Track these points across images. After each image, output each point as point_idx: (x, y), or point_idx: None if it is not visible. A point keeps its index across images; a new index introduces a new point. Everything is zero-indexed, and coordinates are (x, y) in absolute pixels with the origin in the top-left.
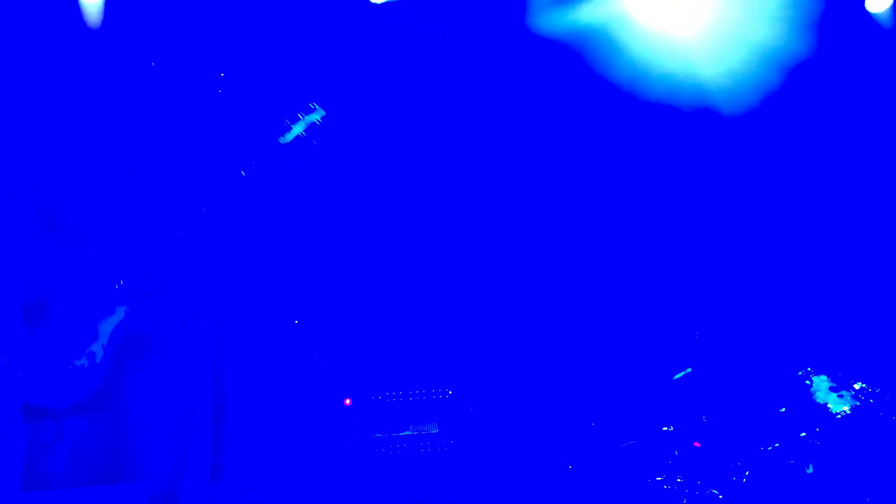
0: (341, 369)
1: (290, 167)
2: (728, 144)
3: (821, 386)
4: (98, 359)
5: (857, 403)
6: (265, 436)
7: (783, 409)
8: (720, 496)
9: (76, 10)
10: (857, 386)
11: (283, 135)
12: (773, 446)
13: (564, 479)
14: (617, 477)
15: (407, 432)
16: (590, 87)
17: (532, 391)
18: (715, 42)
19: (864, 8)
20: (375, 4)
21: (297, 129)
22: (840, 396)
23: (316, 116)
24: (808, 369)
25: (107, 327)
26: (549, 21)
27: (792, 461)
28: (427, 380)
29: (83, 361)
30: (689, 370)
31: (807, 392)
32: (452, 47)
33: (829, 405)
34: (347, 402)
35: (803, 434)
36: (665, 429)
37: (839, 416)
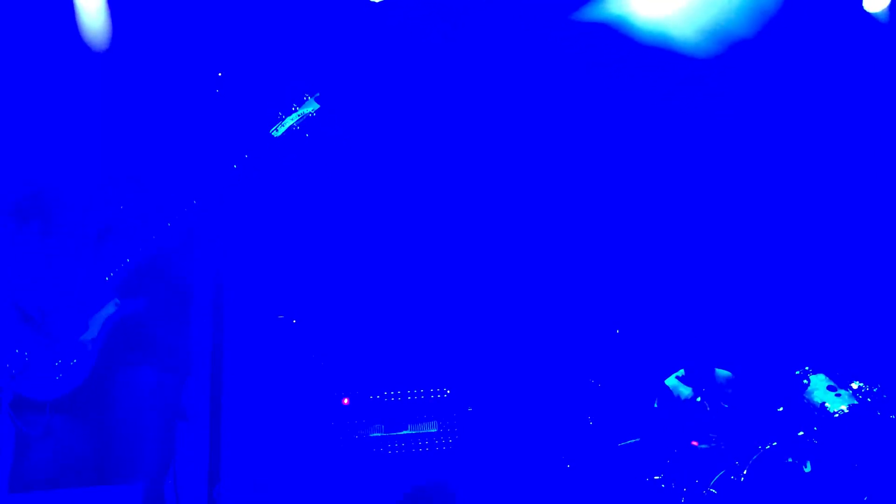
0: (339, 368)
1: (288, 163)
2: (729, 144)
3: (819, 385)
4: (86, 352)
5: (856, 402)
6: (262, 435)
7: (781, 408)
8: (718, 495)
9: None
10: (855, 385)
11: (275, 127)
12: (771, 445)
13: (562, 478)
14: (615, 476)
15: (405, 431)
16: (585, 82)
17: (530, 390)
18: (709, 40)
19: (861, 7)
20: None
21: (290, 121)
22: (838, 395)
23: (310, 109)
24: (806, 368)
25: (97, 321)
26: (549, 17)
27: (790, 460)
28: (425, 379)
29: (71, 354)
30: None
31: (804, 391)
32: (444, 42)
33: (826, 404)
34: (345, 401)
35: (801, 433)
36: (664, 428)
37: (837, 416)
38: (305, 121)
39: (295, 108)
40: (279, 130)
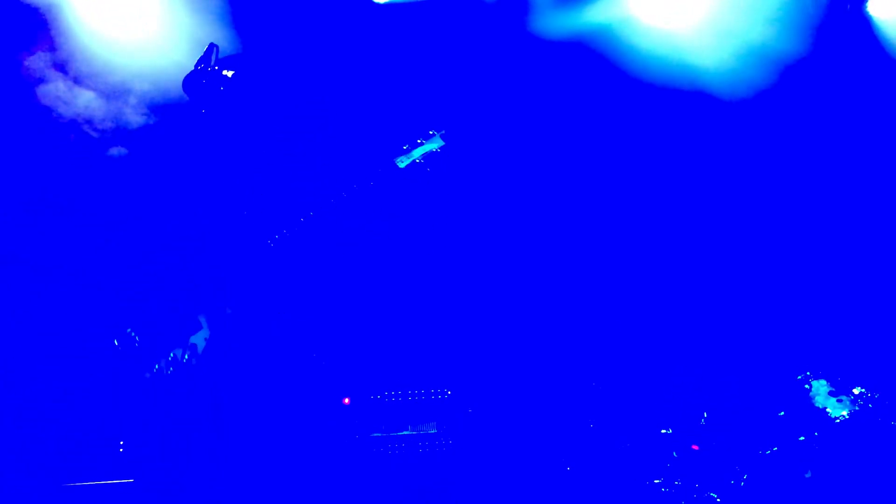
0: (340, 368)
1: (290, 167)
2: (731, 146)
3: (820, 390)
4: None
5: (856, 408)
6: (263, 435)
7: (782, 413)
8: (718, 499)
9: None
10: (856, 391)
11: (400, 159)
12: (772, 450)
13: (562, 481)
14: (615, 479)
15: (406, 432)
16: (590, 86)
17: (531, 392)
18: (716, 41)
19: (866, 11)
20: (377, 4)
21: (416, 154)
22: (839, 401)
23: (435, 145)
24: (808, 373)
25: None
26: (552, 22)
27: (790, 465)
28: (426, 380)
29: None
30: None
31: (806, 396)
32: (445, 47)
33: (828, 410)
34: (346, 401)
35: (802, 438)
36: (664, 431)
37: (838, 421)
38: (429, 156)
39: (421, 142)
40: (404, 162)
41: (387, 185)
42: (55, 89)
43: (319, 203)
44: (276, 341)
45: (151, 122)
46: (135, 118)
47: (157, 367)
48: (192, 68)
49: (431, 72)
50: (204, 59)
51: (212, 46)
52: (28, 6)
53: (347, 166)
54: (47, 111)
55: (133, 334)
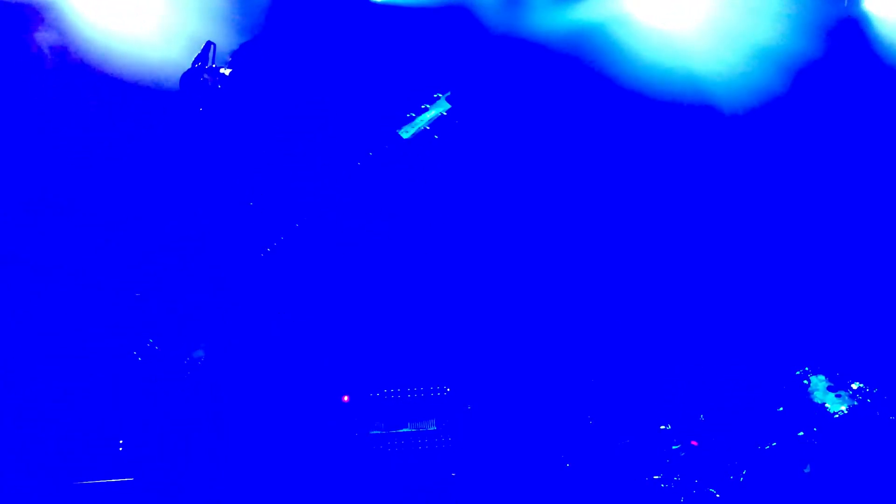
0: (340, 366)
1: (290, 163)
2: (727, 142)
3: (819, 385)
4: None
5: (855, 403)
6: (264, 432)
7: (781, 409)
8: (717, 495)
9: None
10: (854, 386)
11: (405, 129)
12: (771, 445)
13: (562, 477)
14: (614, 475)
15: (405, 429)
16: (588, 86)
17: (530, 389)
18: (714, 40)
19: (862, 8)
20: (374, 3)
21: (421, 122)
22: (838, 396)
23: (441, 109)
24: (806, 369)
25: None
26: (548, 21)
27: (789, 460)
28: (425, 377)
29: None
30: None
31: (805, 391)
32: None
33: (826, 405)
34: (346, 398)
35: (801, 433)
36: (663, 427)
37: (837, 416)
38: (436, 121)
39: (425, 107)
40: (409, 132)
41: (382, 183)
42: (53, 87)
43: (316, 201)
44: (275, 339)
45: (149, 119)
46: (132, 116)
47: (156, 366)
48: (190, 66)
49: (425, 69)
50: (201, 57)
51: (209, 44)
52: (28, 3)
53: (344, 164)
54: (46, 109)
55: (132, 333)
